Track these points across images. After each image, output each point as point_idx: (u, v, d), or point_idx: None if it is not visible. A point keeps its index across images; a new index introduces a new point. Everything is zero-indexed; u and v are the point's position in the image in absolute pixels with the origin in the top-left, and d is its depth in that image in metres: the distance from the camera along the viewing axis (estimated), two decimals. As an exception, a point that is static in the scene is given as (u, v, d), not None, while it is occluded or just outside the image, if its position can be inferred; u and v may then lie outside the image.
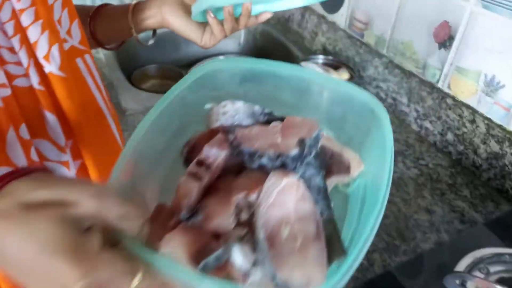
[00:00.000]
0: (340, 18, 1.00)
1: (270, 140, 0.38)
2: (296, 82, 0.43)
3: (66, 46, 0.44)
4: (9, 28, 0.39)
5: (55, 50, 0.41)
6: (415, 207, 0.67)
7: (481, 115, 0.71)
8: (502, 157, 0.68)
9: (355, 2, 0.94)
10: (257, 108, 0.42)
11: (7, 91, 0.38)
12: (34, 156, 0.41)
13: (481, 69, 0.69)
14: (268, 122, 0.41)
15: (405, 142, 0.81)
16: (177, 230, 0.33)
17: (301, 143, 0.36)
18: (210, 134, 0.40)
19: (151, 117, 0.37)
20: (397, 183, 0.71)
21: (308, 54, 1.03)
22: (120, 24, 0.57)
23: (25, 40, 0.40)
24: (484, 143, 0.71)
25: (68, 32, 0.45)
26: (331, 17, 1.03)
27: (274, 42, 1.19)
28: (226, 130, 0.39)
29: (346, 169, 0.39)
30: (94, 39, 0.57)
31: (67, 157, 0.45)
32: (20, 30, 0.39)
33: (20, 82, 0.40)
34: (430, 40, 0.77)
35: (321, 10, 1.07)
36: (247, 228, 0.36)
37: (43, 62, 0.41)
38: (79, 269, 0.25)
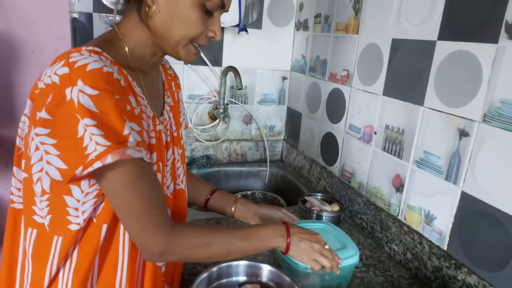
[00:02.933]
0: (335, 169, 1.41)
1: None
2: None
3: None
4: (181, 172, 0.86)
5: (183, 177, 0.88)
6: (377, 302, 0.92)
7: (425, 238, 1.00)
8: (441, 270, 0.95)
9: (344, 160, 1.36)
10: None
11: (171, 192, 0.82)
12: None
13: (422, 206, 1.02)
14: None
15: (378, 259, 1.09)
16: None
17: None
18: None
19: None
20: (366, 286, 0.97)
21: (313, 192, 1.41)
22: (226, 210, 1.00)
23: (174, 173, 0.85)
24: (429, 259, 0.98)
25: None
26: (329, 168, 1.44)
27: (290, 183, 1.59)
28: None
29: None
30: (204, 207, 1.00)
31: None
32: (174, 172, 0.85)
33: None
34: (390, 187, 1.13)
35: (323, 163, 1.49)
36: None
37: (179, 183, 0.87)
38: (321, 240, 0.81)
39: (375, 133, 1.19)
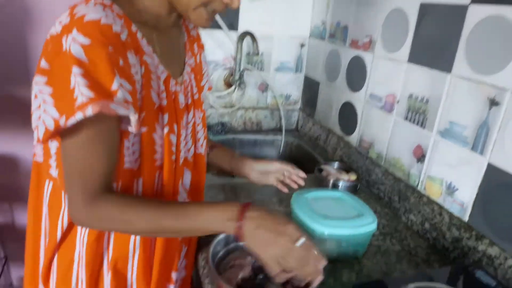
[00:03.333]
0: (353, 139, 1.38)
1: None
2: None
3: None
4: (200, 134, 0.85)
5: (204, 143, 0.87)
6: (393, 270, 0.91)
7: (446, 210, 0.99)
8: (461, 240, 0.93)
9: (363, 130, 1.33)
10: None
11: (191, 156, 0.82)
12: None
13: (443, 177, 1.00)
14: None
15: (395, 228, 1.08)
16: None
17: None
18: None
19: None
20: (383, 253, 0.96)
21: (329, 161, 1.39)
22: (223, 166, 0.99)
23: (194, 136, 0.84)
24: (449, 230, 0.97)
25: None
26: (347, 138, 1.42)
27: (305, 153, 1.57)
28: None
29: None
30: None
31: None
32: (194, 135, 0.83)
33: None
34: (411, 157, 1.11)
35: (340, 133, 1.46)
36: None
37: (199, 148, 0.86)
38: (300, 232, 0.64)
39: (398, 102, 1.15)
